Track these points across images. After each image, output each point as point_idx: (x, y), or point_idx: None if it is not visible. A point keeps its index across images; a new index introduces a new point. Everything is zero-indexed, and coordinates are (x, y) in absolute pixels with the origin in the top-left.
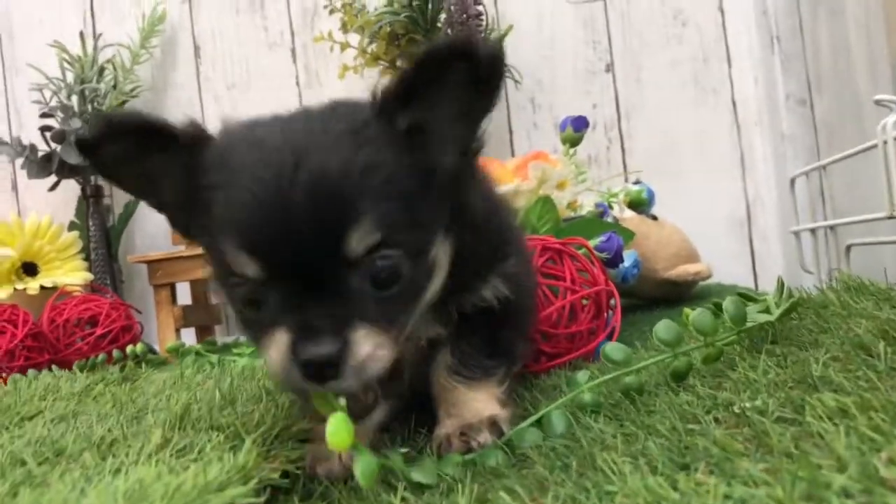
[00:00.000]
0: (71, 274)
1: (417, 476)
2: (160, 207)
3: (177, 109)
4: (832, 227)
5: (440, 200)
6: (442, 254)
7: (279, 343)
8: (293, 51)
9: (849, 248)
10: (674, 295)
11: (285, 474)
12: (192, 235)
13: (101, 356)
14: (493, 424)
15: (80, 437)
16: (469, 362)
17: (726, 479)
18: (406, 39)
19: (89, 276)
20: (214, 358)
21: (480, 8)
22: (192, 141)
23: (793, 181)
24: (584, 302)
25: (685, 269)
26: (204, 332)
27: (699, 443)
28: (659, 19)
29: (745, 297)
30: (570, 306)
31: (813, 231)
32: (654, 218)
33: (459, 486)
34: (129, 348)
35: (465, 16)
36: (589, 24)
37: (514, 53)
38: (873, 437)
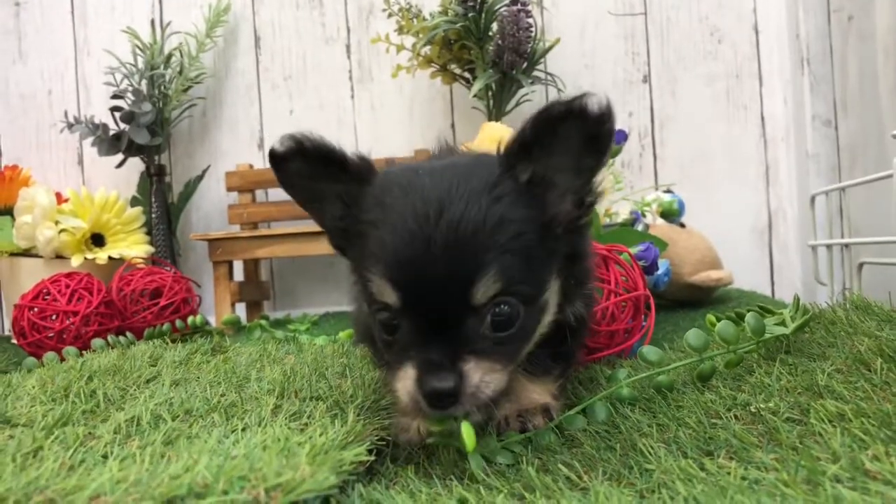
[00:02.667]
0: (134, 246)
1: (501, 459)
2: (321, 224)
3: (236, 96)
4: (847, 245)
5: (555, 249)
6: (552, 295)
7: (407, 376)
8: (348, 47)
9: (861, 265)
10: (696, 298)
11: (380, 439)
12: (347, 257)
13: (167, 325)
14: (546, 411)
15: (201, 399)
16: (534, 360)
17: (743, 464)
18: (458, 46)
19: (151, 249)
20: (279, 333)
21: (531, 20)
22: (359, 175)
23: (813, 198)
24: (623, 304)
25: (708, 275)
26: (254, 307)
27: (721, 435)
28: (696, 35)
29: (764, 309)
30: (612, 307)
31: (829, 246)
32: (683, 226)
33: (523, 458)
34: (189, 319)
35: (516, 27)
36: (629, 36)
37: (558, 63)
38: (863, 438)
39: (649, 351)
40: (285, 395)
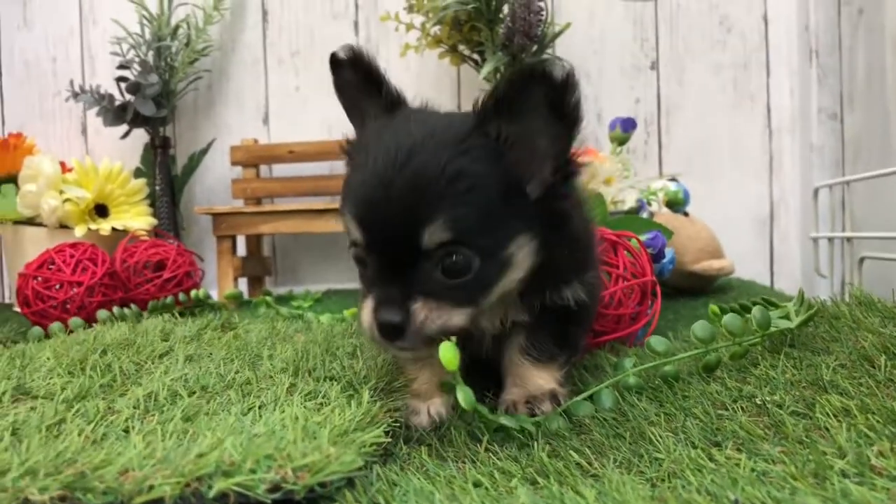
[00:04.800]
0: (138, 218)
1: (505, 420)
2: (353, 122)
3: (242, 70)
4: (849, 239)
5: (524, 210)
6: (522, 255)
7: (367, 307)
8: (356, 23)
9: (862, 259)
10: (698, 286)
11: (394, 421)
12: None
13: (170, 298)
14: (554, 397)
15: (216, 376)
16: (540, 347)
17: (751, 456)
18: (468, 27)
19: (154, 221)
20: (284, 310)
21: (542, 4)
22: (385, 106)
23: (816, 191)
24: (630, 290)
25: (710, 264)
26: (255, 283)
27: (727, 426)
28: (706, 23)
29: (768, 302)
30: (620, 292)
31: (830, 240)
32: (686, 214)
33: (535, 442)
34: (192, 292)
35: (527, 10)
36: (638, 22)
37: (567, 48)
38: (869, 434)
39: (657, 341)
40: (300, 374)
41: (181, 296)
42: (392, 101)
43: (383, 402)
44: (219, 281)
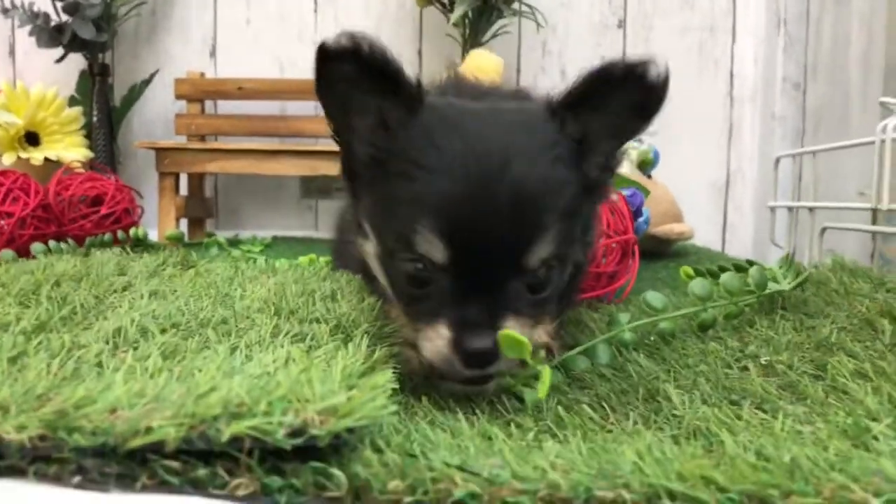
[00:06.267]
0: (72, 149)
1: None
2: (337, 136)
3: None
4: (811, 209)
5: (586, 212)
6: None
7: (439, 336)
8: None
9: (824, 230)
10: (657, 250)
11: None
12: (357, 184)
13: (108, 235)
14: (548, 350)
15: (187, 314)
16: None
17: (776, 415)
18: None
19: (89, 154)
20: (237, 253)
21: None
22: (410, 100)
23: (778, 160)
24: (613, 246)
25: (671, 228)
26: (196, 224)
27: (737, 385)
28: None
29: (739, 267)
30: (602, 249)
31: (790, 209)
32: (650, 177)
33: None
34: (131, 231)
35: None
36: None
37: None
38: None
39: (653, 297)
40: (281, 315)
41: (119, 234)
42: (415, 96)
43: (380, 347)
44: (160, 220)
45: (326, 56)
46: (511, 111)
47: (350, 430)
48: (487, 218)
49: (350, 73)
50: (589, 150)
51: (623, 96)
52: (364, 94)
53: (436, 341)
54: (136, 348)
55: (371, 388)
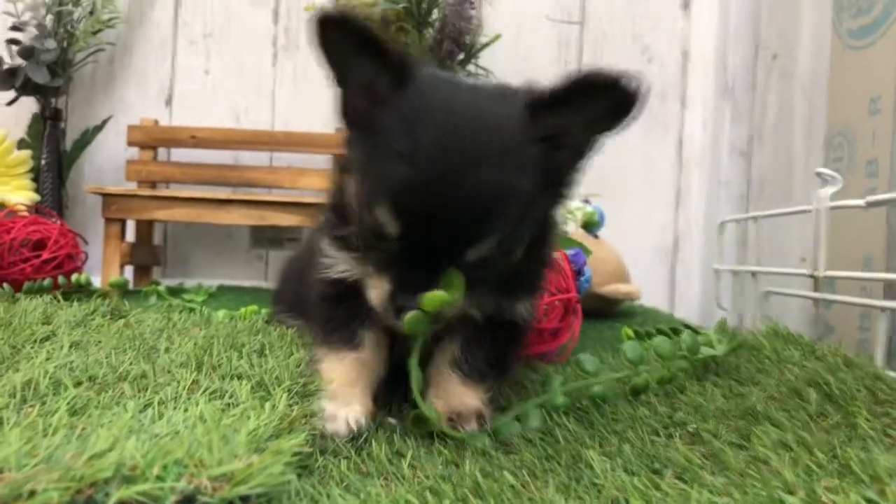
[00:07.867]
0: (18, 192)
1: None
2: (337, 83)
3: (148, 47)
4: (754, 273)
5: (543, 211)
6: (518, 255)
7: (383, 288)
8: (276, 11)
9: (767, 294)
10: (603, 309)
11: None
12: (351, 130)
13: (48, 280)
14: (480, 416)
15: (106, 366)
16: (472, 363)
17: (695, 486)
18: (397, 27)
19: (36, 197)
20: (176, 302)
21: (473, 13)
22: (397, 72)
23: (723, 224)
24: (556, 303)
25: (617, 288)
26: (142, 272)
27: (663, 453)
28: (629, 51)
29: (685, 329)
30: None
31: (735, 273)
32: (597, 237)
33: (466, 462)
34: (73, 277)
35: (459, 17)
36: (564, 44)
37: (492, 61)
38: (815, 469)
39: (586, 359)
40: (203, 370)
41: (60, 279)
42: (403, 68)
43: (300, 406)
44: (104, 267)
45: (326, 22)
46: (491, 106)
47: (244, 499)
48: (439, 213)
49: (343, 37)
50: (560, 146)
51: (602, 100)
52: (357, 57)
53: (378, 292)
54: (44, 403)
55: (275, 454)
